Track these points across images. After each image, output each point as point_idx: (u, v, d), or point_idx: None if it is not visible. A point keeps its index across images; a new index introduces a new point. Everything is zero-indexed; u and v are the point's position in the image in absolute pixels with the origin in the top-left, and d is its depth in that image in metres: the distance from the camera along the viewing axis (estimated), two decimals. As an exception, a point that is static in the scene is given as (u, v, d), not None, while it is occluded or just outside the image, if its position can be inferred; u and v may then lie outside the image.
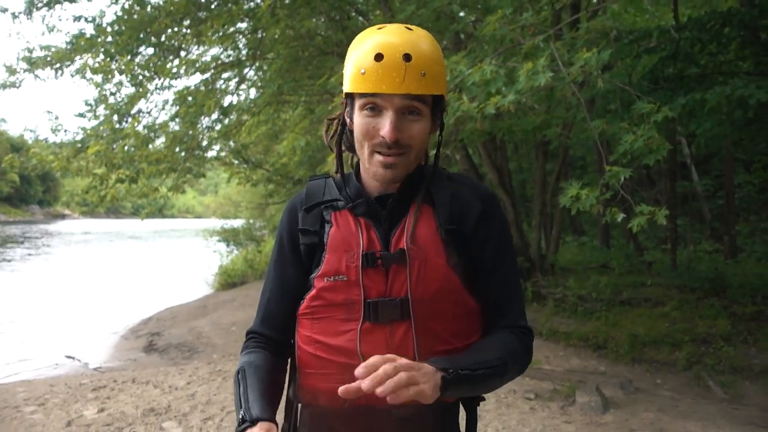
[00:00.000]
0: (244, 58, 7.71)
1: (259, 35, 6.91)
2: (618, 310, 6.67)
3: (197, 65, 6.53)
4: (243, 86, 8.44)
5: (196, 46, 7.30)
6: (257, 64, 8.15)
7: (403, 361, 0.86)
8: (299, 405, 1.15)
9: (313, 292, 1.07)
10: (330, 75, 4.50)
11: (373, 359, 0.84)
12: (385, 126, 0.99)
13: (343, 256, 1.05)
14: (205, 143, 7.94)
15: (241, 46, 7.71)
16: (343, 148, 1.18)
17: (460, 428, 1.13)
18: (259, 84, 8.53)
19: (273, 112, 7.52)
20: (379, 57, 0.98)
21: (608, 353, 5.68)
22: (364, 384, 0.81)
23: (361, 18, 7.44)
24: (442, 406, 1.03)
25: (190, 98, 6.87)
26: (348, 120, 1.10)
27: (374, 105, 1.01)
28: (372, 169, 1.05)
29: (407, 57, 0.97)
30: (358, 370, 0.82)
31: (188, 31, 6.29)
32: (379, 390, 0.81)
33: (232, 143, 9.82)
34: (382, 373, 0.81)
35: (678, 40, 5.58)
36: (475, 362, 0.97)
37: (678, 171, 10.87)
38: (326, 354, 1.05)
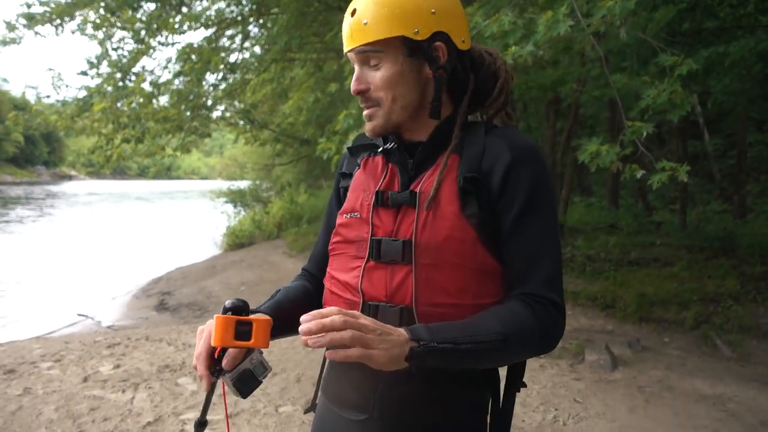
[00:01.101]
0: (247, 14, 7.51)
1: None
2: (626, 270, 6.66)
3: (201, 20, 6.35)
4: (247, 44, 8.26)
5: (198, 1, 7.11)
6: (261, 21, 7.94)
7: (367, 320, 0.84)
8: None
9: (335, 228, 1.11)
10: (338, 30, 4.37)
11: (330, 309, 0.83)
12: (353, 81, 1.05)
13: (360, 195, 1.08)
14: (209, 102, 7.84)
15: (244, 1, 7.50)
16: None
17: (480, 416, 1.04)
18: (264, 42, 8.34)
19: (280, 70, 7.37)
20: (353, 14, 1.02)
21: (616, 312, 5.71)
22: (300, 328, 0.80)
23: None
24: (437, 384, 0.99)
25: (193, 56, 6.73)
26: None
27: (353, 62, 1.06)
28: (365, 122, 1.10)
29: (353, 12, 1.01)
30: (304, 317, 0.81)
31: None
32: (311, 340, 0.80)
33: (237, 103, 9.70)
34: (326, 322, 0.80)
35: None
36: (463, 334, 0.89)
37: (689, 130, 10.68)
38: (337, 289, 1.07)
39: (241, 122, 10.92)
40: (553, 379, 3.92)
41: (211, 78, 7.23)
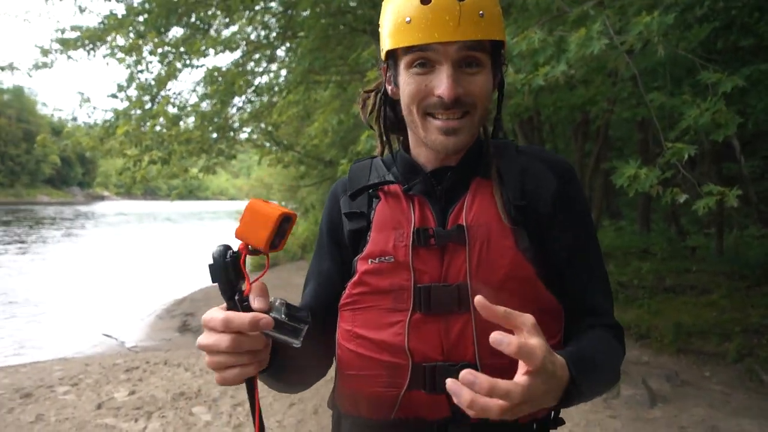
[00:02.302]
0: (274, 38, 7.58)
1: (290, 13, 6.75)
2: (661, 298, 6.37)
3: (226, 43, 6.41)
4: (273, 66, 8.33)
5: (225, 27, 7.20)
6: (287, 44, 8.01)
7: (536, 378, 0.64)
8: (339, 415, 0.98)
9: (355, 277, 0.91)
10: (362, 50, 4.31)
11: (474, 375, 0.61)
12: (442, 83, 0.82)
13: (390, 234, 0.90)
14: (236, 125, 7.88)
15: (271, 26, 7.58)
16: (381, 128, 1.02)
17: None
18: (290, 64, 8.40)
19: (304, 91, 7.38)
20: (424, 1, 0.81)
21: (652, 343, 5.42)
22: (463, 400, 0.61)
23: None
24: (518, 425, 0.86)
25: (220, 79, 6.79)
26: (391, 88, 0.94)
27: (425, 60, 0.84)
28: (430, 137, 0.88)
29: None
30: (449, 384, 0.62)
31: (216, 9, 6.16)
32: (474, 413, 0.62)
33: (263, 125, 9.76)
34: (487, 386, 0.61)
35: (732, 8, 5.17)
36: (601, 375, 0.81)
37: (723, 152, 10.33)
38: (368, 351, 0.88)
39: (267, 144, 10.99)
40: (587, 416, 3.68)
41: (237, 100, 7.28)
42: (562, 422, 0.93)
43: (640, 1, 3.28)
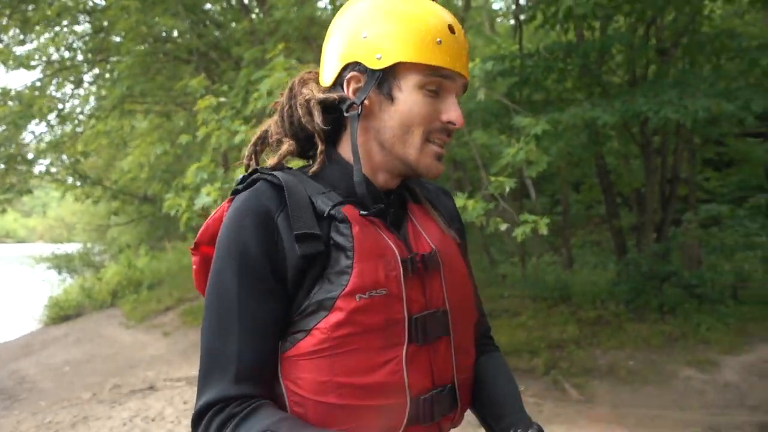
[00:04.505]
0: (81, 61, 6.82)
1: (101, 35, 6.15)
2: (480, 322, 6.93)
3: (20, 60, 5.59)
4: (81, 91, 7.48)
5: (20, 45, 6.29)
6: (96, 69, 7.27)
7: None
8: None
9: (339, 317, 0.78)
10: (189, 79, 4.08)
11: None
12: (452, 110, 0.85)
13: (378, 264, 0.81)
14: (31, 156, 6.84)
15: (77, 47, 6.81)
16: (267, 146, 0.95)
17: None
18: (100, 90, 7.62)
19: (118, 119, 6.70)
20: (452, 29, 0.84)
21: (475, 364, 5.84)
22: None
23: (217, 29, 7.00)
24: None
25: (10, 102, 5.87)
26: (369, 99, 0.86)
27: (440, 85, 0.85)
28: (424, 161, 0.87)
29: (452, 29, 0.86)
30: None
31: (9, 20, 5.36)
32: None
33: (64, 156, 8.64)
34: None
35: (527, 67, 6.05)
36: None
37: (520, 190, 11.93)
38: (356, 399, 0.79)
39: (70, 179, 9.74)
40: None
41: (35, 127, 6.35)
42: None
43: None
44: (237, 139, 3.15)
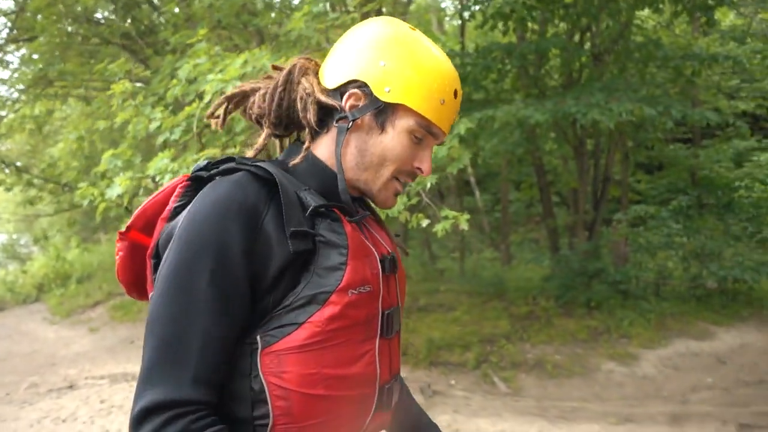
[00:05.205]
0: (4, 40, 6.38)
1: (20, 13, 5.76)
2: (416, 317, 6.99)
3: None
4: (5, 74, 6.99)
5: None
6: (24, 50, 6.82)
7: None
8: None
9: (333, 311, 0.80)
10: (111, 62, 3.86)
11: None
12: (426, 160, 0.95)
13: (365, 262, 0.87)
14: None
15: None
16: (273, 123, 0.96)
17: None
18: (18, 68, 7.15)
19: (35, 100, 6.29)
20: (455, 94, 0.93)
21: (409, 359, 5.88)
22: None
23: (155, 12, 6.70)
24: None
25: None
26: (364, 119, 0.92)
27: (424, 137, 0.93)
28: (383, 194, 0.96)
29: (456, 94, 0.95)
30: None
31: None
32: None
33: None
34: None
35: (466, 65, 6.12)
36: None
37: (463, 188, 12.15)
38: (338, 390, 0.83)
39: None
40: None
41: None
42: None
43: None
44: (152, 126, 3.01)
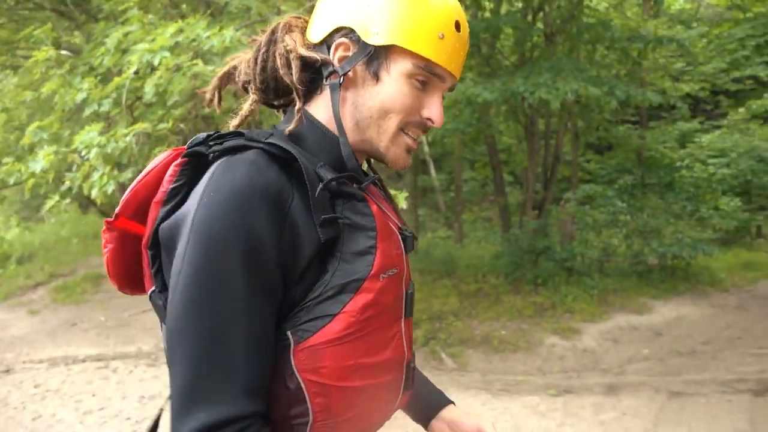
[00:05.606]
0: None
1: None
2: (368, 295, 7.01)
3: None
4: None
5: None
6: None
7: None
8: None
9: (367, 298, 0.75)
10: (34, 28, 3.58)
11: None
12: (434, 107, 0.83)
13: (391, 242, 0.80)
14: None
15: None
16: (254, 88, 0.86)
17: None
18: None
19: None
20: (458, 26, 0.81)
21: (359, 337, 5.92)
22: None
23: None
24: None
25: None
26: (354, 71, 0.81)
27: (428, 79, 0.81)
28: (394, 151, 0.84)
29: (458, 26, 0.82)
30: None
31: None
32: None
33: None
34: None
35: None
36: None
37: (420, 167, 12.20)
38: (373, 378, 0.78)
39: None
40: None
41: None
42: None
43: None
44: (78, 97, 2.83)
